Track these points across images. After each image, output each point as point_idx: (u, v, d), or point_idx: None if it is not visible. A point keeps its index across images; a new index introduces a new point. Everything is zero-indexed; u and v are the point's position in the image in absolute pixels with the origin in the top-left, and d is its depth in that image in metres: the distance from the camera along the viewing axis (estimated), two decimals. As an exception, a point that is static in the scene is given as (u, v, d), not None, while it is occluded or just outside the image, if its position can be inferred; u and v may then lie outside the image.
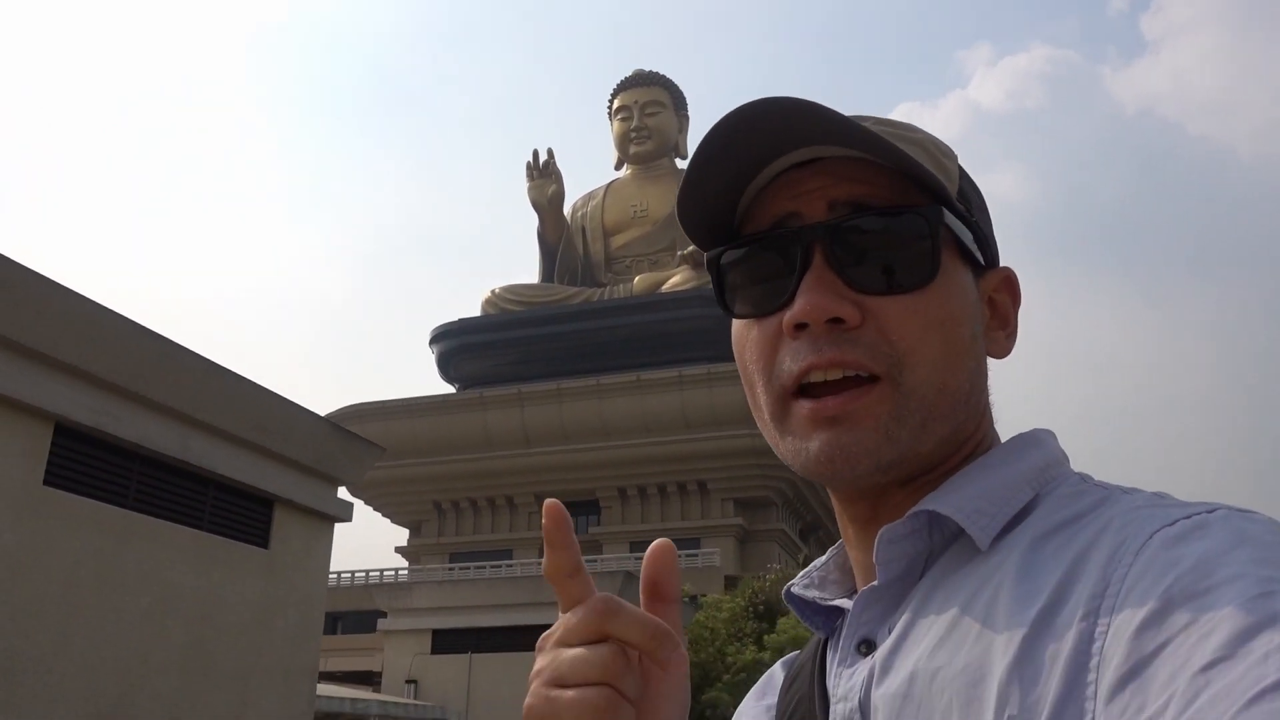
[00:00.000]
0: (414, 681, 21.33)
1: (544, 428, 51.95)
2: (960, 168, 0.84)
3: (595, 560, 43.95)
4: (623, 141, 64.85)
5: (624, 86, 66.07)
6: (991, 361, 0.84)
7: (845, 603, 0.81)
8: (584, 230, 64.48)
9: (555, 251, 62.82)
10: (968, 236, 0.80)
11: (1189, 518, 0.62)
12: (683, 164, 55.86)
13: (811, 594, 0.87)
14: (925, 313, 0.75)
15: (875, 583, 0.76)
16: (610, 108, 66.67)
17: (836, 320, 0.74)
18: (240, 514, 11.46)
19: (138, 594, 9.91)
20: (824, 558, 0.90)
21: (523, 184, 62.64)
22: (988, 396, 0.83)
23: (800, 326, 0.74)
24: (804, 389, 0.75)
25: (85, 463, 9.61)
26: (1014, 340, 0.85)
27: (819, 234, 0.76)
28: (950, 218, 0.77)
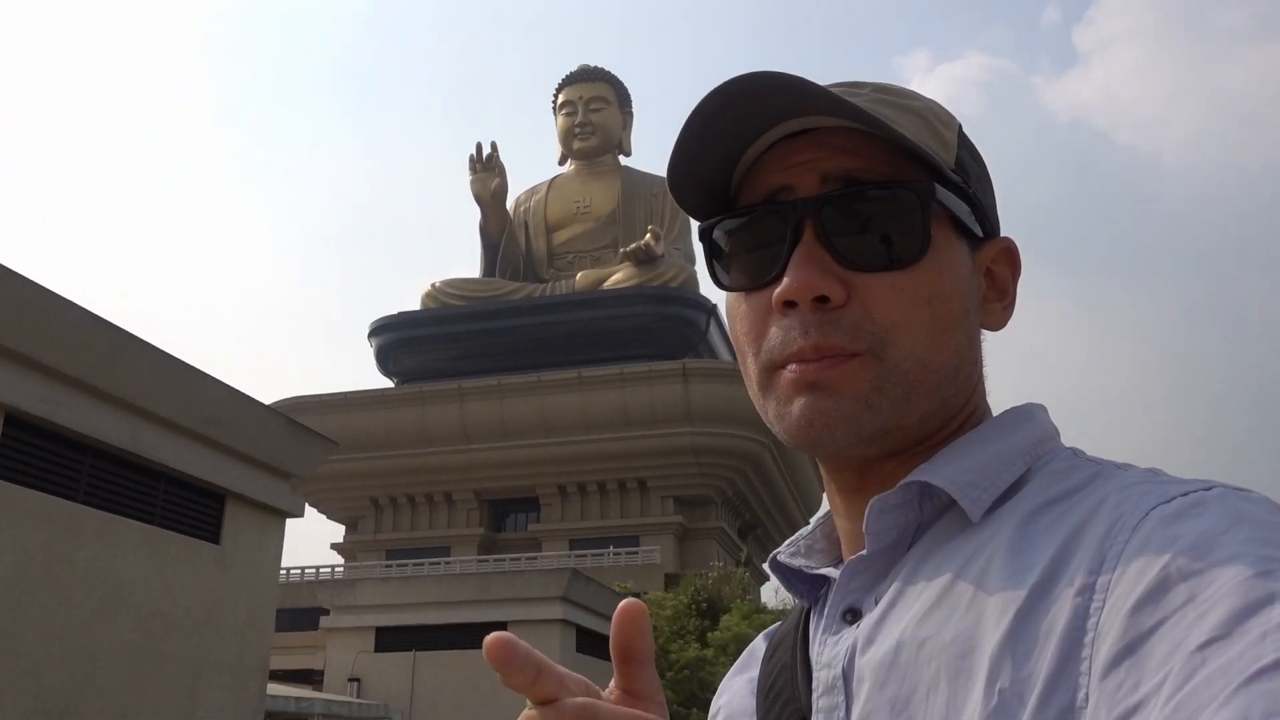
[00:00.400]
0: (357, 680, 21.08)
1: (484, 424, 51.59)
2: (961, 136, 0.82)
3: (535, 558, 43.81)
4: (567, 137, 64.65)
5: (569, 81, 65.87)
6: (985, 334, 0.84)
7: (831, 571, 0.81)
8: (526, 225, 64.16)
9: (497, 246, 62.40)
10: (964, 210, 0.78)
11: (1185, 495, 0.61)
12: (626, 160, 55.83)
13: (798, 562, 0.86)
14: (913, 290, 0.74)
15: (864, 552, 0.75)
16: (555, 102, 66.43)
17: (823, 298, 0.74)
18: (192, 508, 11.22)
19: (87, 590, 9.66)
20: (810, 526, 0.89)
21: (465, 177, 62.06)
22: (980, 369, 0.82)
23: (789, 303, 0.74)
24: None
25: (34, 454, 9.33)
26: (1011, 312, 0.84)
27: (809, 208, 0.75)
28: (943, 192, 0.76)
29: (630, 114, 67.63)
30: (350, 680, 21.37)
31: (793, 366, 0.74)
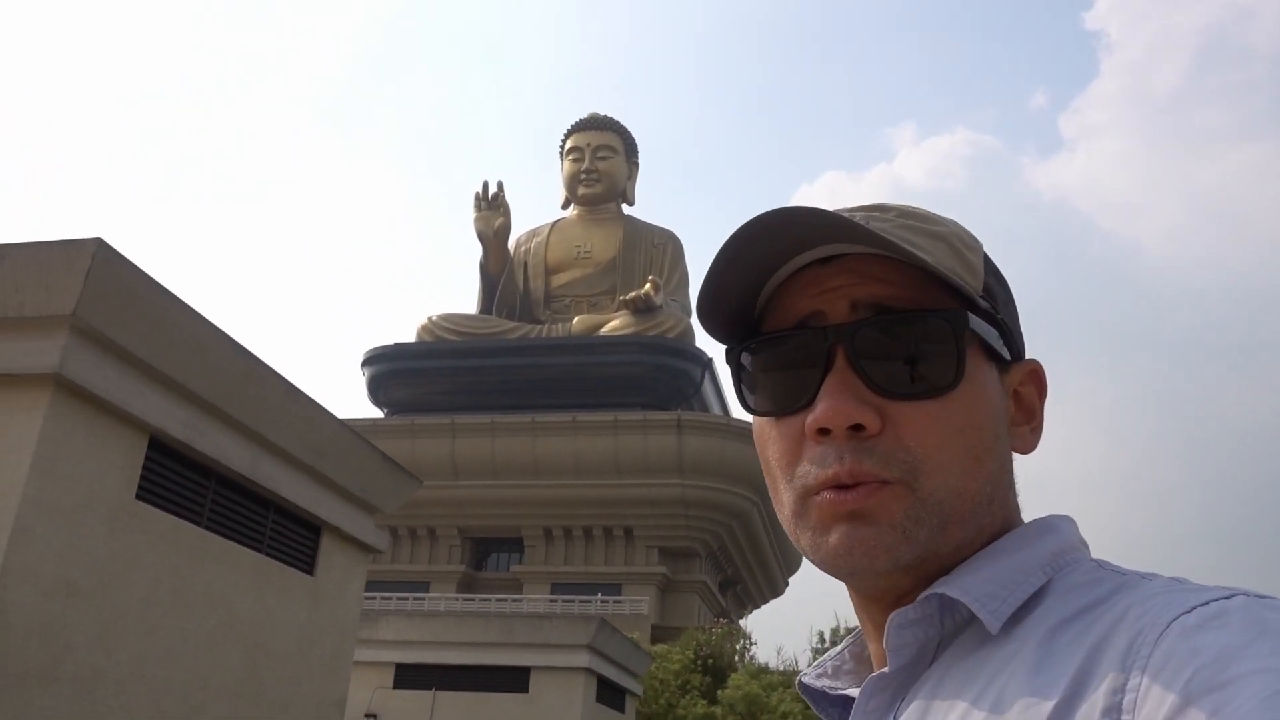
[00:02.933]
0: (374, 716, 20.87)
1: (474, 461, 51.40)
2: (986, 260, 0.82)
3: (520, 600, 43.49)
4: (572, 182, 65.31)
5: (578, 128, 66.70)
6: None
7: (855, 692, 0.81)
8: (526, 266, 64.50)
9: (496, 284, 62.63)
10: (993, 335, 0.79)
11: (1206, 605, 0.60)
12: (629, 209, 56.41)
13: (822, 683, 0.86)
14: (947, 419, 0.74)
15: (884, 670, 0.75)
16: (562, 147, 67.16)
17: (858, 426, 0.74)
18: (294, 539, 11.24)
19: (204, 616, 9.65)
20: (840, 647, 0.89)
21: (462, 215, 62.35)
22: (1013, 492, 0.82)
23: (823, 431, 0.75)
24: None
25: (172, 478, 9.37)
26: (1039, 434, 0.83)
27: (842, 336, 0.76)
28: (975, 320, 0.77)
29: (636, 164, 68.46)
30: (367, 716, 21.14)
31: (827, 494, 0.74)
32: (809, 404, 0.76)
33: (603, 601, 43.76)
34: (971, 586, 0.72)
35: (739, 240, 0.76)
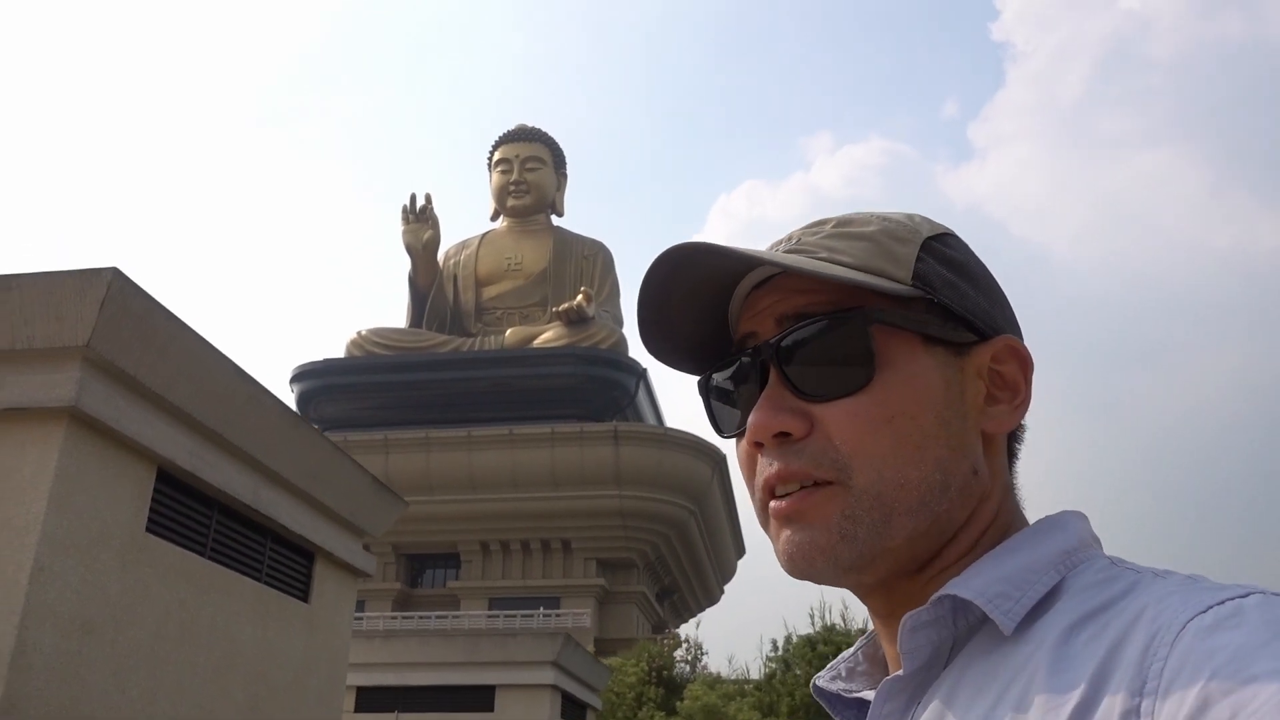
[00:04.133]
0: (336, 741, 20.49)
1: (408, 477, 50.66)
2: (930, 246, 0.82)
3: (457, 615, 43.06)
4: (501, 194, 65.02)
5: (506, 140, 66.45)
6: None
7: (871, 694, 0.81)
8: (456, 279, 63.99)
9: (426, 297, 62.02)
10: (930, 322, 0.79)
11: (1221, 604, 0.60)
12: (559, 221, 56.50)
13: (836, 686, 0.87)
14: (869, 413, 0.75)
15: (899, 673, 0.75)
16: (490, 158, 66.84)
17: (784, 434, 0.76)
18: (288, 566, 11.07)
19: (209, 648, 9.45)
20: (853, 649, 0.89)
21: (389, 227, 61.66)
22: (1001, 478, 0.82)
23: (757, 444, 0.78)
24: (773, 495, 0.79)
25: (178, 510, 9.18)
26: (1023, 411, 0.82)
27: (766, 351, 0.79)
28: (890, 312, 0.77)
29: (565, 175, 68.48)
30: (329, 742, 20.70)
31: (772, 504, 0.78)
32: None
33: (545, 615, 43.58)
34: (983, 587, 0.72)
35: (652, 284, 0.81)
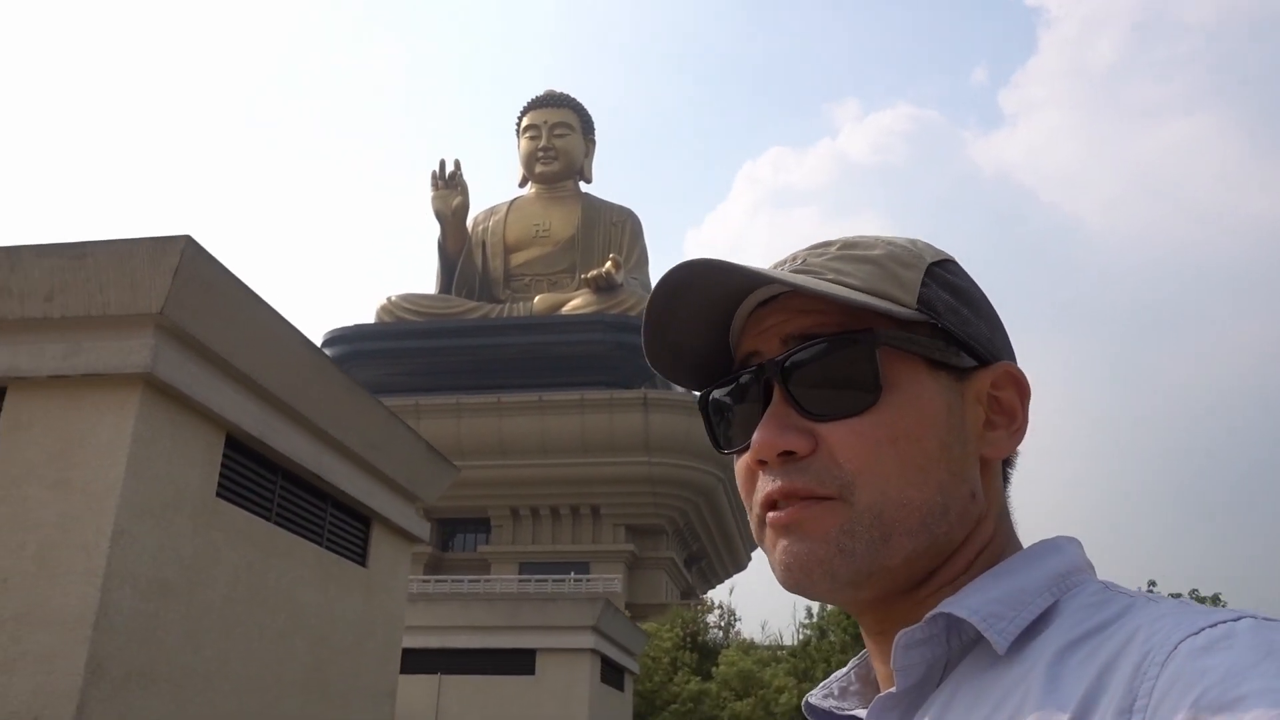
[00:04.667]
0: (380, 701, 20.80)
1: (439, 442, 50.48)
2: (934, 272, 0.83)
3: (490, 579, 43.44)
4: (529, 160, 64.74)
5: (534, 105, 66.05)
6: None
7: (863, 713, 0.81)
8: (484, 245, 63.91)
9: (455, 264, 62.05)
10: (935, 346, 0.80)
11: (1214, 626, 0.61)
12: (587, 187, 56.14)
13: (828, 704, 0.87)
14: (874, 433, 0.76)
15: (891, 690, 0.75)
16: (519, 125, 66.51)
17: (789, 452, 0.77)
18: (348, 532, 11.21)
19: (275, 611, 9.62)
20: (846, 668, 0.90)
21: (418, 194, 61.66)
22: (997, 502, 0.83)
23: (761, 461, 0.78)
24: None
25: (246, 475, 9.30)
26: (1020, 437, 0.84)
27: (771, 370, 0.79)
28: (896, 335, 0.78)
29: (593, 141, 68.11)
30: (373, 703, 21.01)
31: (770, 514, 0.78)
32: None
33: (575, 580, 43.91)
34: (978, 606, 0.72)
35: (660, 299, 0.81)
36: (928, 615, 0.73)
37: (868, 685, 0.86)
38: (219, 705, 8.70)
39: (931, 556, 0.77)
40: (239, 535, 9.06)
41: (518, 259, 63.88)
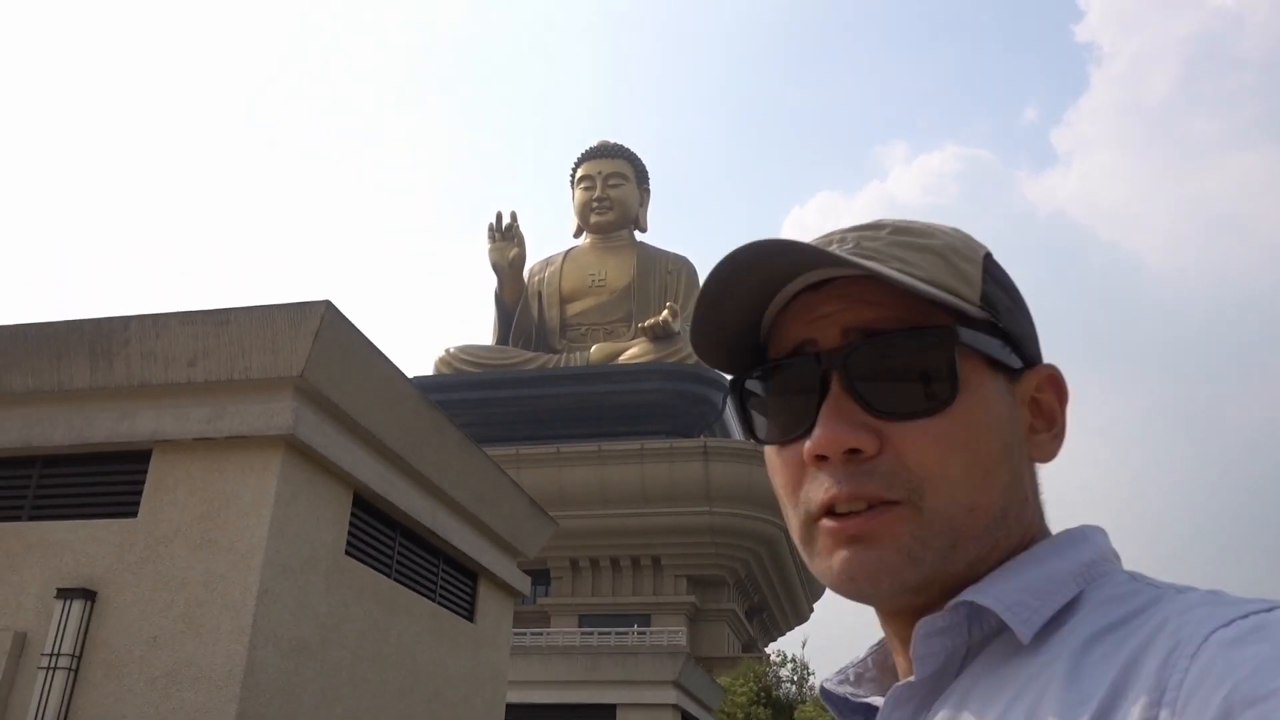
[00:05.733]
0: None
1: (499, 492, 51.31)
2: (988, 267, 0.81)
3: (541, 634, 43.31)
4: (584, 210, 65.52)
5: (588, 156, 67.00)
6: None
7: (878, 700, 0.80)
8: (540, 295, 64.56)
9: (512, 315, 62.70)
10: (994, 345, 0.77)
11: (1245, 617, 0.59)
12: (641, 236, 56.66)
13: (844, 690, 0.86)
14: (947, 435, 0.73)
15: (910, 679, 0.74)
16: (573, 176, 67.42)
17: (854, 450, 0.73)
18: (458, 587, 11.33)
19: (395, 667, 9.72)
20: (863, 654, 0.88)
21: (468, 245, 62.52)
22: (1036, 502, 0.80)
23: (820, 457, 0.75)
24: (828, 512, 0.76)
25: (370, 533, 9.48)
26: (1061, 440, 0.82)
27: (834, 361, 0.76)
28: (968, 333, 0.76)
29: (647, 191, 68.79)
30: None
31: (829, 521, 0.74)
32: (808, 431, 0.76)
33: (639, 633, 43.64)
34: (1002, 595, 0.70)
35: (720, 277, 0.78)
36: (950, 604, 0.72)
37: (885, 673, 0.85)
38: (347, 763, 8.79)
39: (989, 561, 0.75)
40: (365, 593, 9.20)
41: (574, 309, 64.41)
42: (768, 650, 44.43)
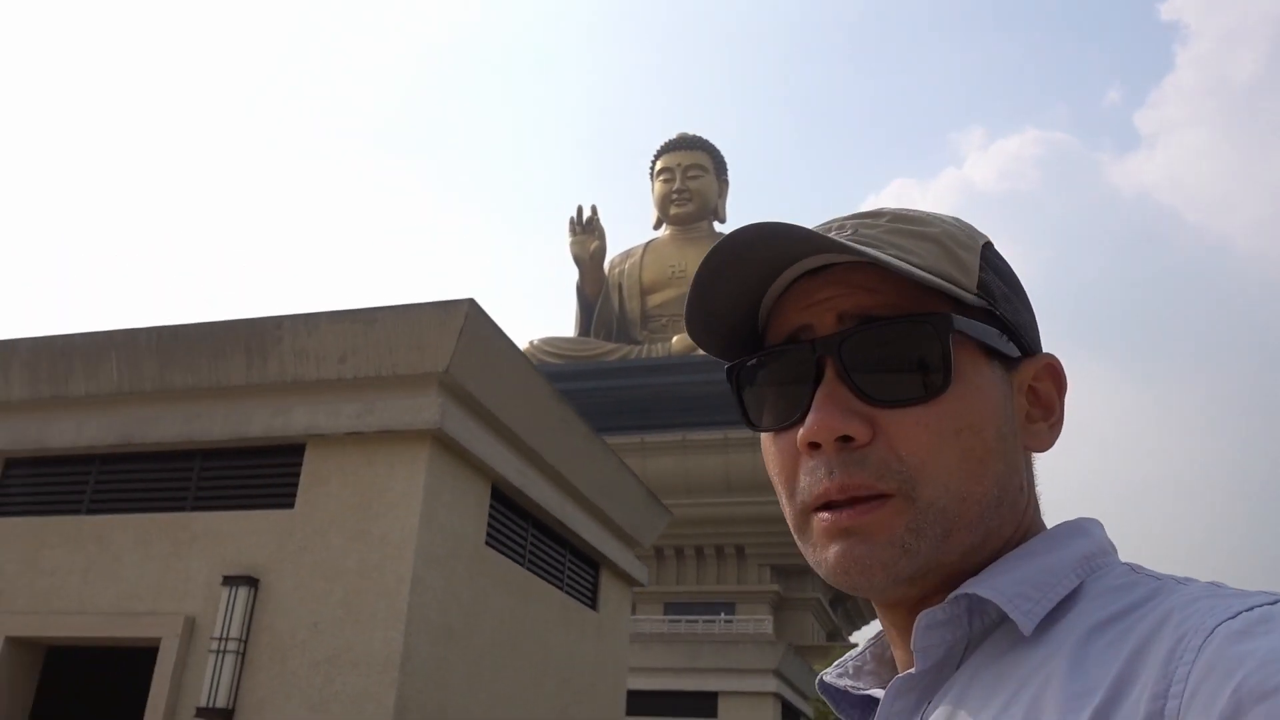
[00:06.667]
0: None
1: (584, 482, 51.86)
2: (986, 255, 0.80)
3: (636, 620, 43.65)
4: (664, 202, 65.69)
5: (668, 149, 67.10)
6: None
7: (878, 692, 0.80)
8: (621, 287, 64.97)
9: (593, 306, 63.21)
10: (991, 333, 0.77)
11: (1250, 610, 0.59)
12: (721, 227, 56.96)
13: (844, 683, 0.85)
14: (939, 423, 0.73)
15: (910, 671, 0.73)
16: (653, 168, 67.61)
17: (846, 438, 0.73)
18: (583, 576, 11.59)
19: (529, 655, 10.00)
20: (861, 647, 0.88)
21: (545, 238, 63.08)
22: (1030, 492, 0.79)
23: (813, 445, 0.74)
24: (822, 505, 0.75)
25: (506, 524, 9.76)
26: (1058, 430, 0.81)
27: (828, 348, 0.75)
28: (963, 321, 0.75)
29: (726, 182, 68.70)
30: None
31: (824, 515, 0.74)
32: (801, 418, 0.75)
33: (726, 621, 43.75)
34: (1003, 587, 0.70)
35: (717, 259, 0.77)
36: (950, 596, 0.71)
37: (883, 665, 0.85)
38: (489, 746, 9.09)
39: (984, 551, 0.75)
40: (502, 582, 9.49)
41: (654, 300, 64.65)
42: (851, 639, 44.14)
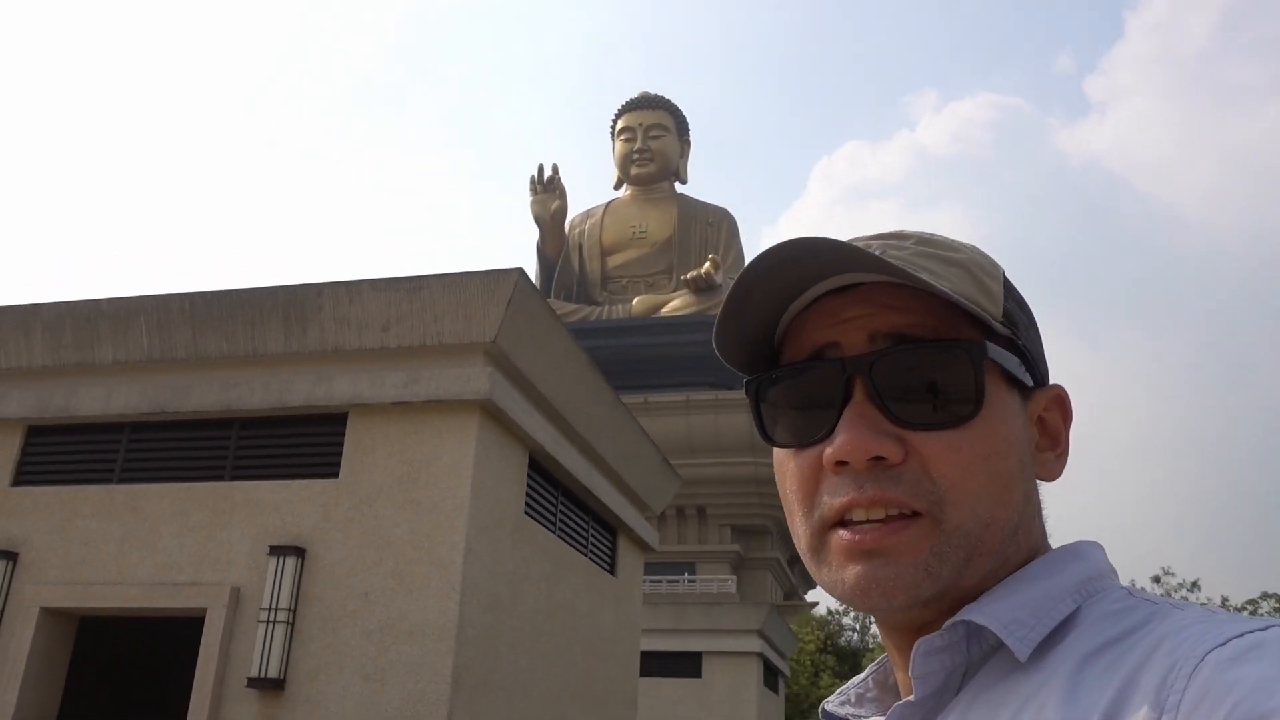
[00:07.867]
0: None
1: (546, 443, 51.81)
2: (1006, 285, 0.81)
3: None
4: (625, 162, 65.20)
5: (629, 108, 66.50)
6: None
7: None
8: (581, 248, 64.61)
9: (554, 267, 62.83)
10: (1013, 361, 0.78)
11: (1241, 636, 0.60)
12: (682, 188, 56.25)
13: (846, 711, 0.85)
14: (970, 448, 0.73)
15: (910, 698, 0.73)
16: (614, 128, 67.07)
17: (878, 458, 0.73)
18: (602, 542, 11.66)
19: (562, 621, 10.08)
20: (863, 674, 0.88)
21: (505, 199, 62.51)
22: (1040, 520, 0.80)
23: (842, 463, 0.73)
24: (843, 521, 0.74)
25: (541, 493, 9.78)
26: (1065, 460, 0.82)
27: (860, 367, 0.75)
28: (994, 348, 0.76)
29: (688, 142, 68.28)
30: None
31: (843, 533, 0.74)
32: (827, 436, 0.75)
33: (690, 581, 44.26)
34: (999, 613, 0.71)
35: (757, 273, 0.76)
36: (947, 623, 0.72)
37: (886, 692, 0.85)
38: (532, 713, 9.17)
39: (997, 576, 0.75)
40: (539, 550, 9.53)
41: (615, 261, 64.36)
42: (807, 597, 45.00)
